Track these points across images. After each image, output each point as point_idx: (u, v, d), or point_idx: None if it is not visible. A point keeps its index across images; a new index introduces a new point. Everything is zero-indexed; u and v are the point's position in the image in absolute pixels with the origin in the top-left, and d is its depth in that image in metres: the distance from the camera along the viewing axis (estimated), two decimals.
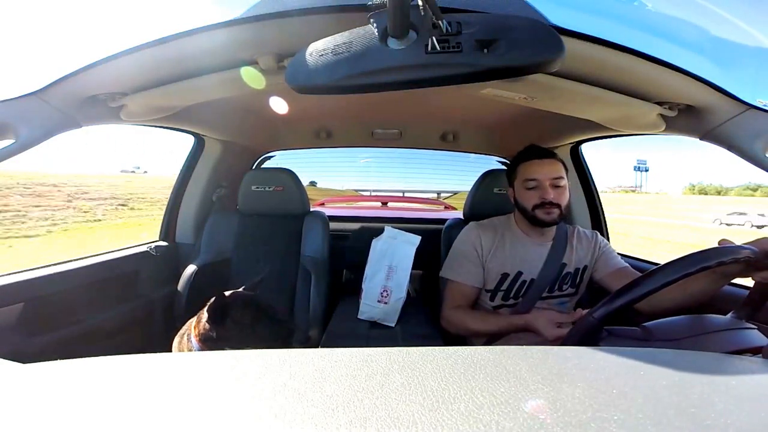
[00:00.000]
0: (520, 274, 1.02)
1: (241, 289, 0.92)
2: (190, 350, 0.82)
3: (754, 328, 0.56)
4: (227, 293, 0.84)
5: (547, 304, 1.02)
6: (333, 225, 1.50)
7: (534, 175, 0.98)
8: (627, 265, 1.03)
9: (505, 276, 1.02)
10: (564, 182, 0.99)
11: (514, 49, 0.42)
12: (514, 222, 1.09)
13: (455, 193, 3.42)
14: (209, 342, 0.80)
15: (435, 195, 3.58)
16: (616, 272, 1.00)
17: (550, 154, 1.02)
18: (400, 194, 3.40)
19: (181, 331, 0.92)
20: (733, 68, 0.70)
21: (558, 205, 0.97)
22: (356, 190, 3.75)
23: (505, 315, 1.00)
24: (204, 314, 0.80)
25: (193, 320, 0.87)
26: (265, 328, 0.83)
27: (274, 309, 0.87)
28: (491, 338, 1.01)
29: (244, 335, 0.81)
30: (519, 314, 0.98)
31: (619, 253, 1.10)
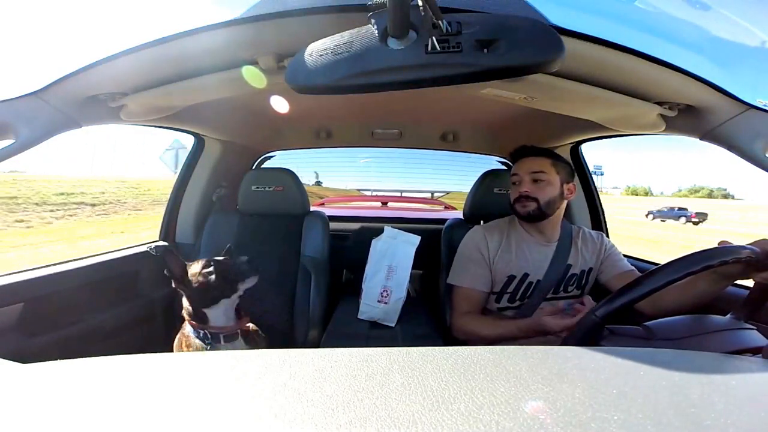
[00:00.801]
0: (526, 275, 1.01)
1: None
2: (187, 337, 0.88)
3: (753, 329, 0.56)
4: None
5: (552, 305, 1.01)
6: (333, 225, 1.50)
7: (516, 170, 1.03)
8: (633, 268, 1.02)
9: (511, 278, 1.02)
10: (545, 176, 0.99)
11: (514, 49, 0.42)
12: (517, 223, 1.09)
13: (447, 192, 3.50)
14: (196, 319, 0.87)
15: (429, 195, 3.61)
16: (622, 275, 1.00)
17: (536, 151, 1.03)
18: (398, 194, 3.41)
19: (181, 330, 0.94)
20: (733, 68, 0.69)
21: (534, 199, 0.98)
22: (359, 190, 3.78)
23: (514, 320, 0.99)
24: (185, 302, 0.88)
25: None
26: (220, 274, 0.89)
27: (226, 262, 0.94)
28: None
29: (209, 287, 0.87)
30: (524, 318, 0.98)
31: (624, 255, 1.09)
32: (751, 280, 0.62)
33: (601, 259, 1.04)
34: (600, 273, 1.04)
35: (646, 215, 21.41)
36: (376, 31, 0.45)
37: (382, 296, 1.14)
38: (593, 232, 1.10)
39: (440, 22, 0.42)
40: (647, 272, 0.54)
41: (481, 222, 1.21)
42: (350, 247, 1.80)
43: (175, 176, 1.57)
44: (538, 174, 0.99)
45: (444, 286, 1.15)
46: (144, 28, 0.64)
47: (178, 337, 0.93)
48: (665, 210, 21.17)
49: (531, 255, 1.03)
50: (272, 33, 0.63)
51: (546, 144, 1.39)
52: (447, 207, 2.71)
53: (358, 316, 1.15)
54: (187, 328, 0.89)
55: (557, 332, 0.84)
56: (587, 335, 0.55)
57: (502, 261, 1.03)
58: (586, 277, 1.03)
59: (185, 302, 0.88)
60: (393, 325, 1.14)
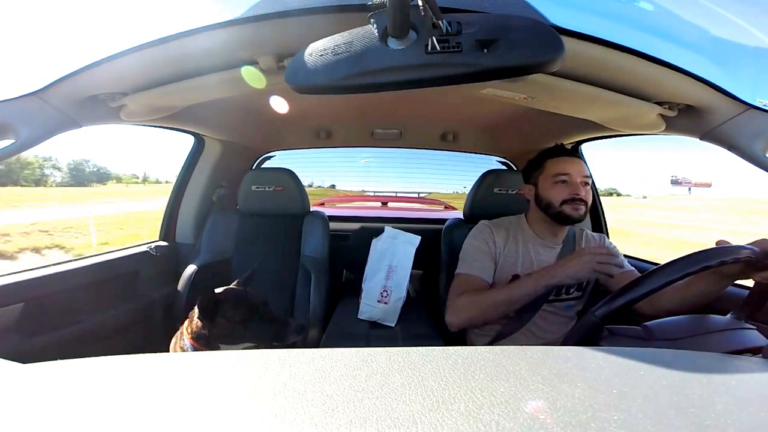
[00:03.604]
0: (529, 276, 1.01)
1: (233, 285, 0.91)
2: (183, 349, 0.83)
3: (754, 328, 0.56)
4: (218, 290, 0.84)
5: (553, 307, 1.02)
6: (333, 225, 1.50)
7: (566, 170, 0.97)
8: (633, 269, 1.02)
9: (515, 278, 1.01)
10: (590, 183, 0.99)
11: (514, 49, 0.42)
12: (526, 223, 1.07)
13: (430, 193, 3.60)
14: (202, 340, 0.80)
15: (416, 196, 3.68)
16: (621, 275, 0.99)
17: (578, 155, 1.03)
18: (393, 194, 3.46)
19: (178, 332, 0.92)
20: (733, 68, 0.69)
21: (586, 203, 0.97)
22: (363, 191, 3.89)
23: (528, 277, 0.92)
24: (195, 312, 0.80)
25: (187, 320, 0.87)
26: (258, 324, 0.82)
27: (267, 305, 0.86)
28: (495, 337, 1.00)
29: (237, 332, 0.80)
30: (543, 272, 0.90)
31: (625, 255, 1.09)
32: (751, 280, 0.62)
33: None
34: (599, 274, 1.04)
35: None
36: (376, 31, 0.45)
37: (382, 296, 1.14)
38: (595, 234, 1.10)
39: (440, 22, 0.42)
40: (647, 272, 0.54)
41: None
42: (350, 247, 1.80)
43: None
44: (587, 179, 0.98)
45: (444, 286, 1.15)
46: (144, 28, 0.63)
47: (174, 344, 0.88)
48: None
49: (536, 256, 1.02)
50: (272, 33, 0.63)
51: (546, 144, 1.39)
52: (447, 207, 2.71)
53: (358, 316, 1.16)
54: (186, 344, 0.82)
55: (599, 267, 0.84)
56: (587, 336, 0.55)
57: (507, 259, 1.02)
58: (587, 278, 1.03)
59: (195, 320, 0.80)
60: (393, 325, 1.14)
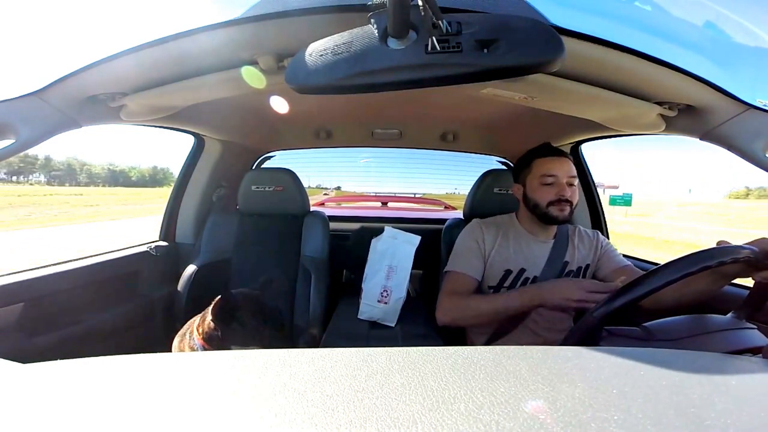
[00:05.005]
0: (522, 271, 1.02)
1: (248, 288, 0.91)
2: (192, 349, 0.82)
3: (754, 328, 0.56)
4: (234, 291, 0.83)
5: None
6: (333, 225, 1.50)
7: (553, 171, 0.98)
8: (629, 263, 1.02)
9: (508, 273, 1.02)
10: (577, 182, 1.00)
11: (514, 49, 0.42)
12: (517, 220, 1.09)
13: (423, 194, 3.65)
14: (213, 341, 0.79)
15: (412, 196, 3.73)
16: (619, 270, 1.01)
17: (565, 153, 1.02)
18: (392, 195, 3.48)
19: (182, 331, 0.91)
20: (733, 68, 0.70)
21: (571, 203, 0.97)
22: (365, 192, 3.96)
23: (515, 291, 0.93)
24: (209, 314, 0.80)
25: (196, 319, 0.86)
26: (271, 332, 0.82)
27: (280, 312, 0.87)
28: (493, 335, 1.00)
29: (249, 337, 0.80)
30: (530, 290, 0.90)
31: (623, 255, 1.10)
32: (751, 279, 0.62)
33: (598, 255, 1.05)
34: (597, 269, 1.05)
35: None
36: (376, 31, 0.45)
37: (382, 296, 1.14)
38: (588, 230, 1.11)
39: (440, 22, 0.42)
40: (646, 273, 0.54)
41: None
42: (350, 247, 1.80)
43: None
44: (573, 179, 0.98)
45: None
46: (144, 28, 0.64)
47: (180, 343, 0.87)
48: None
49: (529, 251, 1.03)
50: (272, 33, 0.63)
51: None
52: (447, 207, 2.71)
53: (358, 316, 1.15)
54: (197, 344, 0.81)
55: (573, 301, 0.79)
56: (586, 337, 0.55)
57: (498, 255, 1.03)
58: (583, 273, 1.04)
59: (207, 321, 0.79)
60: (393, 325, 1.14)
